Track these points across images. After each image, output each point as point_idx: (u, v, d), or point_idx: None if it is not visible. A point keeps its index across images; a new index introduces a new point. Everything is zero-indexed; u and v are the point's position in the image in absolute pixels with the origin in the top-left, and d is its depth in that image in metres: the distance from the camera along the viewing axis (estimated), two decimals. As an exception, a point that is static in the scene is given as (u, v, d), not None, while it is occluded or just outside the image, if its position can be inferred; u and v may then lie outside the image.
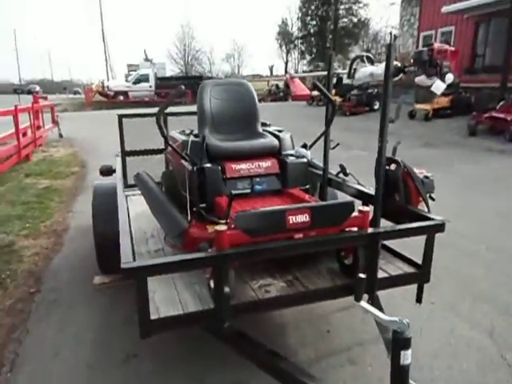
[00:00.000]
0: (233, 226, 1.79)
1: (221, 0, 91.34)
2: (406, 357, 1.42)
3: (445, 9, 15.06)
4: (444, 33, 16.37)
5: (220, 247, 1.70)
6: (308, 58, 45.32)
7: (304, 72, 37.52)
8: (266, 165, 2.59)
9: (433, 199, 2.27)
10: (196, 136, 2.70)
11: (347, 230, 1.95)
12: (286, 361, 1.87)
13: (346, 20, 41.39)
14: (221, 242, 1.70)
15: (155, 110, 2.31)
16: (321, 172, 2.88)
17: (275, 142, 2.72)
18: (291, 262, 2.22)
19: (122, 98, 26.19)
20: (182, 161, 2.54)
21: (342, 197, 2.88)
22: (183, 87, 2.23)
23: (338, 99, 14.27)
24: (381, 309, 2.07)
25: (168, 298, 1.91)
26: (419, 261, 2.19)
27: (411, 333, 1.47)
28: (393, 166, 2.33)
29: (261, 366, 1.89)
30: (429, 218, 2.10)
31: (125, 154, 4.03)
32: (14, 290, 3.15)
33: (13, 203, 5.27)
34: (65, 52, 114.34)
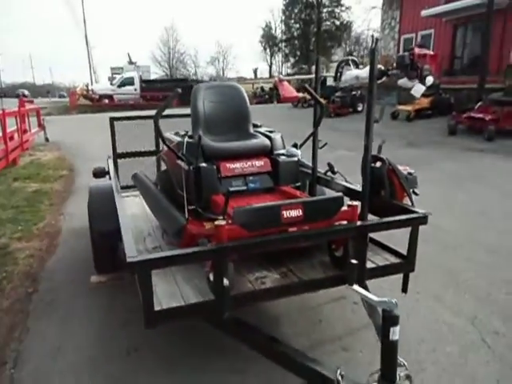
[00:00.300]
0: (230, 221, 1.90)
1: (205, 3, 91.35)
2: (395, 333, 1.56)
3: (424, 13, 15.49)
4: (424, 36, 16.79)
5: (219, 241, 1.81)
6: (292, 60, 45.73)
7: (288, 75, 37.81)
8: (259, 164, 2.71)
9: (416, 194, 2.43)
10: (190, 137, 2.79)
11: (337, 223, 2.09)
12: (285, 345, 1.97)
13: (328, 23, 41.83)
14: (220, 236, 1.81)
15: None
16: (310, 170, 3.01)
17: (267, 142, 2.84)
18: (285, 256, 2.34)
19: (106, 101, 26.01)
20: (178, 161, 2.64)
21: (331, 194, 3.01)
22: (180, 90, 2.32)
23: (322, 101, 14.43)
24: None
25: (169, 292, 2.00)
26: (405, 252, 2.33)
27: (399, 311, 1.61)
28: (378, 164, 2.48)
29: (262, 351, 2.00)
30: (413, 212, 2.25)
31: (117, 156, 4.10)
32: (11, 291, 3.19)
33: (3, 207, 5.27)
34: (45, 54, 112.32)
